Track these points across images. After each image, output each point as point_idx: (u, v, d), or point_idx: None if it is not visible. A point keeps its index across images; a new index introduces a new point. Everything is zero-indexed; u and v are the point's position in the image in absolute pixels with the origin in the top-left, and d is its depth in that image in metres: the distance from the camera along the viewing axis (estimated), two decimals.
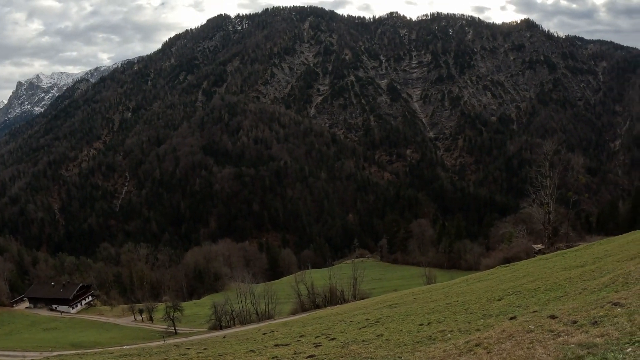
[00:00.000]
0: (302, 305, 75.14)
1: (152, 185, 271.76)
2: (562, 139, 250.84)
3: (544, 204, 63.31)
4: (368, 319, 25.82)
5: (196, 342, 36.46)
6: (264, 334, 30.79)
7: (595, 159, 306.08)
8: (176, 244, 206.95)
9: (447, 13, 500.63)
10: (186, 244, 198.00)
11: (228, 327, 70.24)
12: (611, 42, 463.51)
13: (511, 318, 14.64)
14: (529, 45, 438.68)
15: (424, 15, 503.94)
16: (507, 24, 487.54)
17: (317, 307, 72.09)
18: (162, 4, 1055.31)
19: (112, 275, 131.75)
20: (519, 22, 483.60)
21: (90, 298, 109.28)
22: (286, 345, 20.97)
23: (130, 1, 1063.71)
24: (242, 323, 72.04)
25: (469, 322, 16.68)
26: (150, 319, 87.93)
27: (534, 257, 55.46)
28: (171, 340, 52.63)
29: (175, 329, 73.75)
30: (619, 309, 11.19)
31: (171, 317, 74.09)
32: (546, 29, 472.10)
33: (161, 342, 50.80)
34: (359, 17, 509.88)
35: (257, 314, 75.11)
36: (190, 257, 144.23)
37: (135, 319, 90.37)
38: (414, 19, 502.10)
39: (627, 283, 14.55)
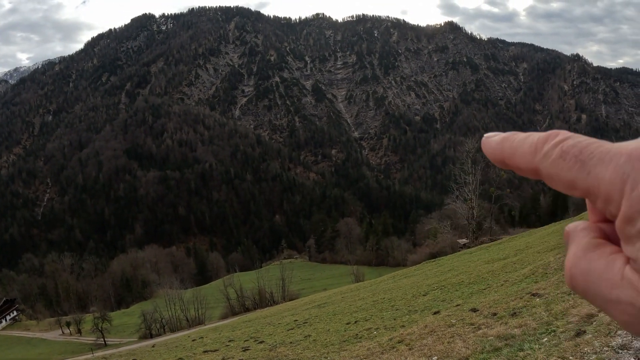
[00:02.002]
0: (232, 309, 73.62)
1: (74, 191, 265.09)
2: None
3: (468, 199, 64.30)
4: (296, 320, 25.66)
5: (125, 352, 36.29)
6: (194, 340, 30.38)
7: None
8: (102, 251, 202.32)
9: (373, 15, 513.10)
10: (112, 252, 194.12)
11: (158, 335, 67.66)
12: (531, 45, 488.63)
13: (435, 313, 14.85)
14: (452, 47, 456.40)
15: (349, 17, 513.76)
16: (431, 26, 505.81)
17: (246, 310, 70.67)
18: (84, 2, 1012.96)
19: (36, 288, 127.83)
20: (442, 24, 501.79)
21: (15, 313, 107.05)
22: (215, 351, 21.07)
23: None
24: (173, 330, 70.02)
25: (394, 319, 16.84)
26: (79, 332, 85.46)
27: (459, 251, 56.21)
28: (100, 353, 51.80)
29: (104, 341, 71.81)
30: (537, 300, 11.40)
31: (100, 329, 71.94)
32: (469, 32, 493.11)
33: (90, 355, 51.27)
34: (284, 18, 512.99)
35: (188, 320, 73.22)
36: (117, 265, 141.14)
37: (63, 333, 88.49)
38: (339, 20, 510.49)
39: (546, 274, 14.84)
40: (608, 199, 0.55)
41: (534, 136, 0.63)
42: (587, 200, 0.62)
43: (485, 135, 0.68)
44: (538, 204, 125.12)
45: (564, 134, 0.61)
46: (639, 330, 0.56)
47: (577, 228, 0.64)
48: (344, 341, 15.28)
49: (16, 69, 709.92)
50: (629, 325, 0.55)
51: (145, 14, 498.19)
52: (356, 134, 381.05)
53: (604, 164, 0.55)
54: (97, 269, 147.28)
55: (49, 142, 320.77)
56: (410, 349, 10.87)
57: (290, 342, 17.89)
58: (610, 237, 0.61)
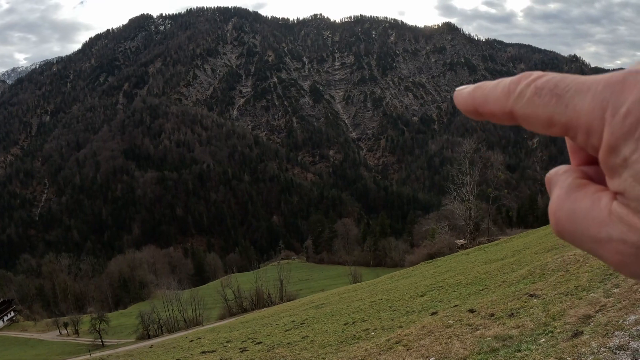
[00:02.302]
0: (230, 309, 73.35)
1: (72, 191, 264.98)
2: (482, 138, 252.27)
3: (465, 200, 64.67)
4: (294, 321, 25.66)
5: (122, 353, 36.23)
6: (191, 341, 30.35)
7: (514, 156, 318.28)
8: (99, 252, 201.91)
9: (371, 16, 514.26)
10: (109, 252, 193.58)
11: (156, 336, 67.46)
12: (529, 46, 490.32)
13: (432, 313, 14.85)
14: (450, 47, 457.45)
15: (347, 17, 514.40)
16: (429, 27, 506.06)
17: (244, 310, 70.54)
18: (81, 2, 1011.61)
19: (34, 289, 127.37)
20: (440, 25, 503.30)
21: (12, 314, 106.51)
22: (213, 351, 21.13)
23: None
24: (170, 331, 69.69)
25: (392, 320, 16.85)
26: (76, 332, 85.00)
27: (456, 252, 56.35)
28: (98, 354, 51.14)
29: (102, 342, 71.28)
30: (535, 300, 11.40)
31: (97, 329, 71.35)
32: (467, 33, 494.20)
33: (87, 356, 50.62)
34: (282, 19, 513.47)
35: (185, 320, 72.79)
36: (114, 265, 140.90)
37: (60, 333, 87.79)
38: (337, 21, 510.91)
39: (544, 274, 14.81)
40: (589, 130, 0.52)
41: (506, 80, 0.60)
42: (568, 144, 0.61)
43: (457, 88, 0.64)
44: (535, 204, 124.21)
45: (536, 73, 0.58)
46: (632, 270, 0.51)
47: (559, 172, 0.61)
48: (342, 342, 15.29)
49: (14, 69, 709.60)
50: (622, 265, 0.52)
51: (143, 14, 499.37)
52: (354, 135, 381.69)
53: (582, 94, 0.52)
54: (94, 269, 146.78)
55: (47, 142, 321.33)
56: (408, 350, 10.86)
57: (288, 343, 17.89)
58: (593, 179, 0.58)
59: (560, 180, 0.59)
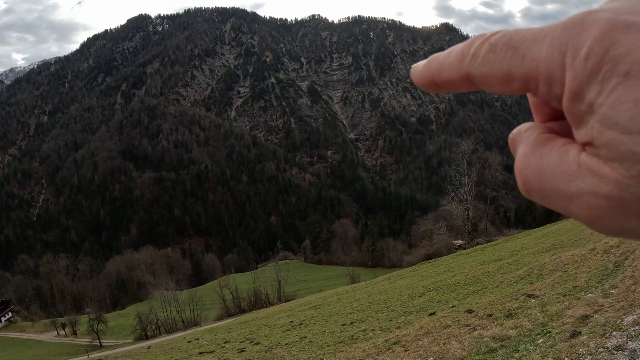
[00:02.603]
0: (228, 310, 73.56)
1: (70, 192, 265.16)
2: (480, 138, 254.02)
3: (463, 201, 64.39)
4: (292, 322, 25.49)
5: (120, 354, 36.43)
6: (189, 342, 30.14)
7: (512, 156, 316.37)
8: (97, 253, 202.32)
9: (369, 16, 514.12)
10: (107, 253, 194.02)
11: (154, 336, 67.22)
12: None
13: (431, 314, 14.76)
14: (448, 48, 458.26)
15: (345, 18, 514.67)
16: (427, 27, 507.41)
17: (242, 311, 70.46)
18: (79, 2, 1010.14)
19: (32, 289, 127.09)
20: (438, 26, 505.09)
21: (10, 314, 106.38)
22: (211, 352, 21.16)
23: None
24: (168, 332, 69.61)
25: (390, 320, 16.76)
26: (74, 333, 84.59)
27: (454, 252, 55.72)
28: (96, 354, 52.02)
29: (100, 342, 71.13)
30: (532, 301, 11.33)
31: (95, 330, 71.38)
32: (465, 33, 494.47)
33: (85, 357, 51.57)
34: (280, 19, 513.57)
35: (183, 321, 72.61)
36: (112, 266, 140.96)
37: (58, 334, 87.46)
38: (335, 22, 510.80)
39: (542, 275, 14.70)
40: (549, 78, 0.47)
41: (459, 45, 0.57)
42: (530, 100, 0.58)
43: (413, 65, 0.61)
44: (533, 205, 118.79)
45: (489, 32, 0.54)
46: (606, 224, 0.47)
47: (522, 129, 0.57)
48: (340, 342, 15.28)
49: (11, 69, 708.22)
50: (595, 220, 0.47)
51: (141, 14, 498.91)
52: (352, 135, 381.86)
53: (538, 42, 0.48)
54: (92, 270, 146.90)
55: (45, 142, 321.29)
56: (406, 350, 10.87)
57: (286, 344, 17.89)
58: (559, 134, 0.54)
59: (524, 137, 0.56)
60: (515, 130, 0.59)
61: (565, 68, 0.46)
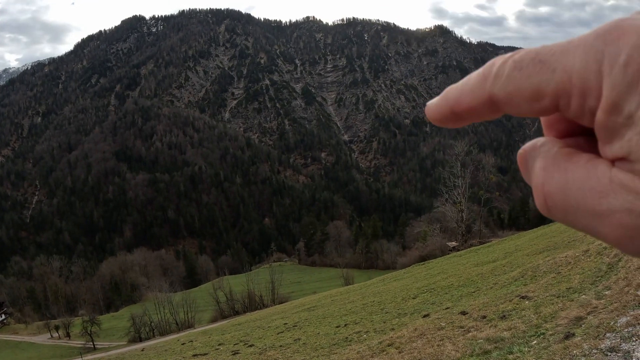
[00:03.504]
0: (222, 312, 73.56)
1: (63, 193, 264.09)
2: (474, 140, 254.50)
3: (457, 202, 64.87)
4: (286, 324, 25.55)
5: (114, 356, 37.27)
6: (183, 344, 30.08)
7: (505, 158, 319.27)
8: (90, 254, 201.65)
9: (363, 18, 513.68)
10: (101, 255, 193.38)
11: (148, 338, 67.38)
12: (521, 49, 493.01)
13: (424, 316, 14.70)
14: (442, 50, 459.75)
15: (340, 20, 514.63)
16: (421, 29, 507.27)
17: (236, 313, 70.58)
18: (72, 3, 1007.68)
19: (25, 291, 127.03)
20: (432, 28, 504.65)
21: (3, 316, 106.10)
22: (205, 354, 21.23)
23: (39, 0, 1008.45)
24: (162, 334, 69.41)
25: (384, 322, 16.74)
26: (68, 335, 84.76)
27: (448, 254, 55.56)
28: (89, 357, 53.61)
29: (94, 344, 71.30)
30: (526, 302, 11.31)
31: (89, 332, 71.28)
32: (459, 35, 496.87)
33: (79, 359, 52.35)
34: (275, 21, 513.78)
35: (177, 323, 72.77)
36: (106, 268, 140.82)
37: (51, 336, 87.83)
38: (330, 24, 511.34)
39: (536, 276, 14.61)
40: (584, 90, 0.43)
41: (477, 70, 0.52)
42: (542, 120, 0.54)
43: (428, 103, 0.57)
44: (527, 206, 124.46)
45: (510, 53, 0.51)
46: (638, 244, 0.43)
47: (537, 144, 0.52)
48: (334, 344, 15.31)
49: (5, 70, 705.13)
50: (627, 240, 0.42)
51: (136, 15, 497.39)
52: (346, 137, 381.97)
53: (570, 52, 0.44)
54: (86, 272, 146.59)
55: (38, 144, 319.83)
56: (400, 352, 10.91)
57: (280, 346, 17.93)
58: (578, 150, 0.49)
59: (542, 152, 0.50)
60: (528, 145, 0.54)
61: (602, 77, 0.42)
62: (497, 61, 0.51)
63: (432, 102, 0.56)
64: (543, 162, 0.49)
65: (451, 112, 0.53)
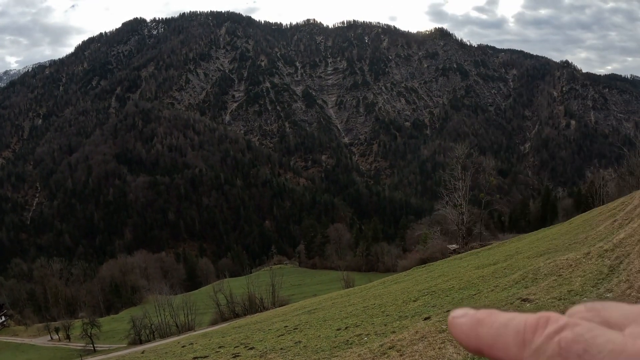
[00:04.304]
0: (222, 314, 73.44)
1: (64, 196, 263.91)
2: (474, 143, 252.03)
3: (458, 205, 64.99)
4: (287, 326, 25.38)
5: (114, 359, 37.17)
6: (183, 346, 29.61)
7: (506, 161, 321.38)
8: (91, 257, 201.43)
9: (363, 21, 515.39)
10: (101, 257, 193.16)
11: (148, 341, 67.12)
12: (521, 51, 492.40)
13: (426, 318, 14.71)
14: (442, 53, 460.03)
15: (340, 23, 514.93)
16: (421, 32, 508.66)
17: (236, 316, 70.44)
18: (73, 6, 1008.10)
19: (25, 293, 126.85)
20: (433, 30, 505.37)
21: (3, 318, 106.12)
22: (205, 357, 21.09)
23: (40, 2, 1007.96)
24: (162, 336, 69.22)
25: (385, 325, 16.65)
26: (67, 337, 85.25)
27: (449, 257, 55.56)
28: (89, 359, 54.35)
29: (93, 347, 71.55)
30: (527, 305, 11.24)
31: (89, 334, 71.41)
32: (459, 38, 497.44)
33: None
34: (275, 23, 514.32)
35: (177, 326, 72.58)
36: (106, 270, 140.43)
37: (51, 338, 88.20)
38: (330, 26, 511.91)
39: (536, 279, 14.57)
40: None
41: (519, 321, 0.46)
42: None
43: (452, 314, 0.51)
44: (527, 209, 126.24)
45: (556, 319, 0.44)
46: None
47: None
48: (335, 347, 15.23)
49: (6, 72, 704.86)
50: None
51: (136, 18, 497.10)
52: (346, 140, 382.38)
53: None
54: (86, 274, 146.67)
55: (39, 146, 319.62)
56: (401, 355, 10.89)
57: (281, 348, 17.84)
58: None
59: None
60: None
61: None
62: (540, 326, 0.44)
63: (461, 324, 0.51)
64: None
65: (478, 350, 0.49)
